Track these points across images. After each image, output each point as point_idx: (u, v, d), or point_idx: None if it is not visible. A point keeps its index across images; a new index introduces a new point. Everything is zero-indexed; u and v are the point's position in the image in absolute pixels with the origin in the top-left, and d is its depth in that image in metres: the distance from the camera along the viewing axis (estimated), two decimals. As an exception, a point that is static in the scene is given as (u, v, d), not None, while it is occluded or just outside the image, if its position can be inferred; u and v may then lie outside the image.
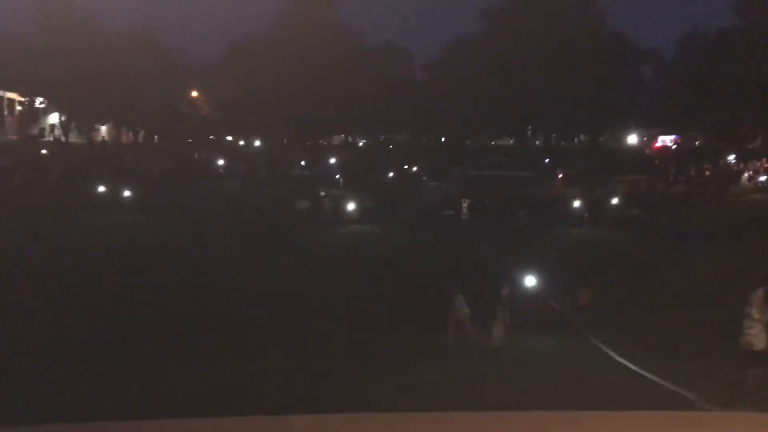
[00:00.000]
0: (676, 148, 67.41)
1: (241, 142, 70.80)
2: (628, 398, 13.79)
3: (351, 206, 36.71)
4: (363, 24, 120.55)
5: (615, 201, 38.41)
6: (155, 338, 16.92)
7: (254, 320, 18.96)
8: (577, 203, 37.53)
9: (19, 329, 16.66)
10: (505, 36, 62.78)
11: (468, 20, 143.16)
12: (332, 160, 56.21)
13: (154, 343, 16.57)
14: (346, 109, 63.22)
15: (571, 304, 20.29)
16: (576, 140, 78.34)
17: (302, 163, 55.25)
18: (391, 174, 51.20)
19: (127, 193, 36.40)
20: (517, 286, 19.40)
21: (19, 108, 62.48)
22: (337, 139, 78.02)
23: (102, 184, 37.18)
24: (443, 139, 76.09)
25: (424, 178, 50.56)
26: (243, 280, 23.28)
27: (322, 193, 40.35)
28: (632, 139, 75.06)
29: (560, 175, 52.19)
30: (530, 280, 19.66)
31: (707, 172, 50.46)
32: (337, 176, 49.22)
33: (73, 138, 60.08)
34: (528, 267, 20.80)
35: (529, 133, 75.60)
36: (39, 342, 16.01)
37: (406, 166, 54.00)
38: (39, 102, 60.84)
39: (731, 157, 55.76)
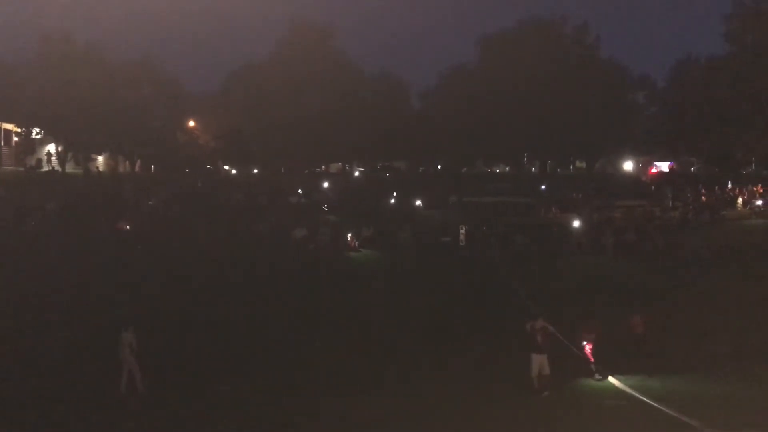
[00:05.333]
0: (671, 173, 67.73)
1: (234, 171, 70.75)
2: (631, 424, 13.79)
3: (348, 234, 36.69)
4: (359, 54, 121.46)
5: (612, 227, 38.45)
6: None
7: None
8: (575, 230, 37.53)
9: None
10: (501, 64, 63.40)
11: (464, 49, 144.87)
12: (330, 188, 56.28)
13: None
14: (344, 137, 63.57)
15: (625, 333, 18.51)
16: (572, 167, 78.77)
17: (299, 191, 55.35)
18: (388, 201, 51.28)
19: (125, 225, 36.35)
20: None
21: (15, 139, 62.62)
22: (335, 167, 78.31)
23: (99, 215, 37.16)
24: (439, 167, 76.44)
25: (420, 205, 50.59)
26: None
27: (330, 217, 40.55)
28: (628, 165, 75.51)
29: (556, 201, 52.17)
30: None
31: (703, 198, 50.60)
32: (334, 204, 49.23)
33: (70, 168, 60.10)
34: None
35: (525, 160, 76.03)
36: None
37: (403, 194, 54.08)
38: (35, 133, 61.00)
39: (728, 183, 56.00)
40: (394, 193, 53.56)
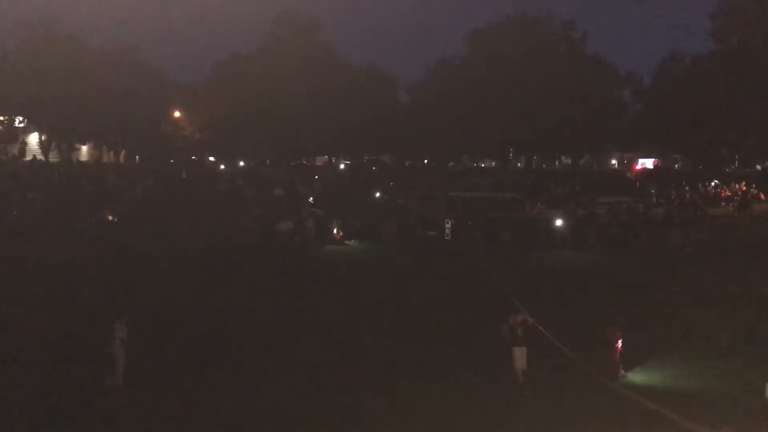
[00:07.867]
0: (656, 170, 68.16)
1: (222, 166, 69.68)
2: (612, 417, 13.88)
3: (334, 227, 36.62)
4: (347, 46, 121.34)
5: (596, 222, 38.65)
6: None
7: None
8: (559, 225, 37.67)
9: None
10: (488, 59, 63.32)
11: (451, 43, 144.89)
12: (316, 180, 56.07)
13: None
14: (330, 130, 63.28)
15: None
16: (557, 162, 78.99)
17: (286, 182, 54.95)
18: (374, 194, 51.21)
19: (109, 215, 36.04)
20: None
21: (-2, 127, 61.91)
22: (321, 159, 78.01)
23: (83, 205, 36.78)
24: (426, 161, 76.37)
25: (406, 199, 50.56)
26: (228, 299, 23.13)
27: (318, 211, 40.39)
28: (613, 161, 75.94)
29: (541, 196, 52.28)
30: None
31: (687, 195, 50.95)
32: (319, 197, 49.05)
33: (53, 158, 59.49)
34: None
35: (511, 155, 76.09)
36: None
37: (389, 187, 54.01)
38: (18, 121, 60.35)
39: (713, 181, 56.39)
40: (383, 188, 53.47)
